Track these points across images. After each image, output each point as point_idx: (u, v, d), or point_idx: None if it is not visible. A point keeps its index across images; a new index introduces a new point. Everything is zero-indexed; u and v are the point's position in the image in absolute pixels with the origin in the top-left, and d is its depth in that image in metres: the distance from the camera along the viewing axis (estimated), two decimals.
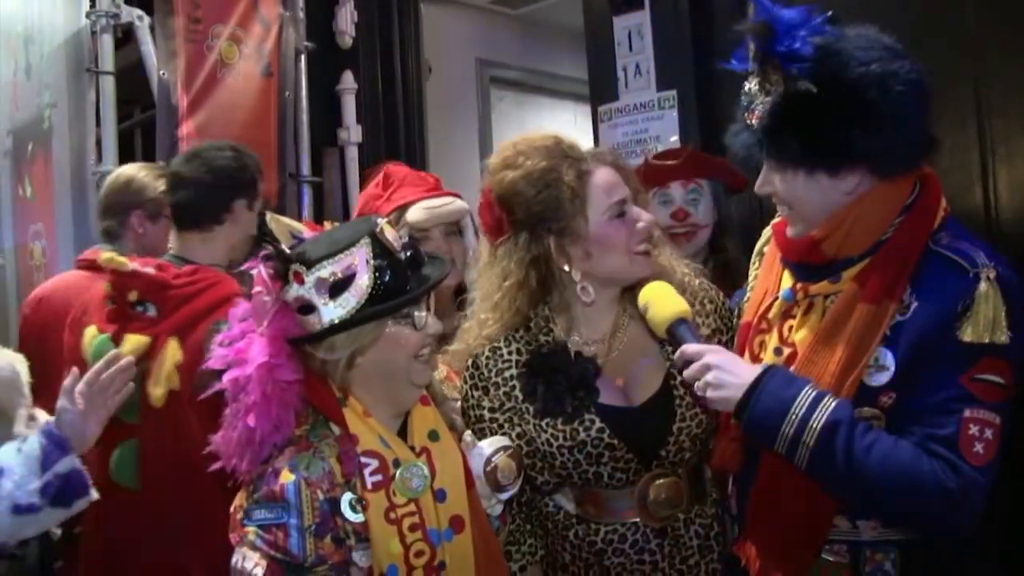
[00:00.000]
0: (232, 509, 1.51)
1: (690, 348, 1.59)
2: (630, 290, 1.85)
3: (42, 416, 1.96)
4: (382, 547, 1.49)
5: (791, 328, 1.63)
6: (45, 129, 4.00)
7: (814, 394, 1.48)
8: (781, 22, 1.49)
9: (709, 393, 1.55)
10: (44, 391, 2.16)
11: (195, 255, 2.34)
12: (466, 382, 1.91)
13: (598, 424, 1.79)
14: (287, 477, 1.46)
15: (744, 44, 1.58)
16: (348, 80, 4.29)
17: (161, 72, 3.48)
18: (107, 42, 3.52)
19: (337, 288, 1.48)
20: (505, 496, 1.71)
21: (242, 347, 1.54)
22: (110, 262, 2.23)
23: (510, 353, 1.87)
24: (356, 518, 1.49)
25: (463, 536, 1.57)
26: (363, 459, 1.52)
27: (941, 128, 2.54)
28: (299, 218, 3.79)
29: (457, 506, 1.58)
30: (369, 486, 1.51)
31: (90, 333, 2.26)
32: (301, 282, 1.49)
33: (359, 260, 1.49)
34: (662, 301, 1.69)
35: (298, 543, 1.43)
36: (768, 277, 1.74)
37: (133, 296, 2.23)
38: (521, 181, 1.82)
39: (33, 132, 4.12)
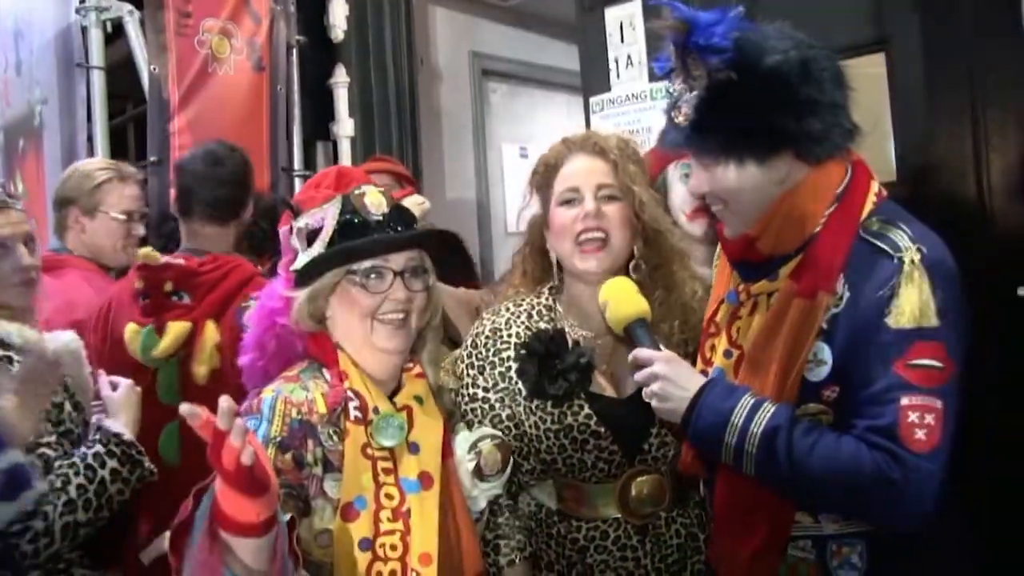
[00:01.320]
0: None
1: (642, 354, 1.60)
2: (659, 284, 1.90)
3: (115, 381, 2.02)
4: (354, 478, 1.53)
5: (739, 330, 1.64)
6: (36, 125, 3.99)
7: (752, 402, 1.49)
8: (698, 20, 1.51)
9: (654, 404, 1.58)
10: None
11: (212, 246, 2.56)
12: (463, 360, 1.94)
13: (586, 410, 1.81)
14: (267, 393, 1.56)
15: (666, 45, 1.58)
16: (340, 74, 4.28)
17: (152, 67, 3.46)
18: (97, 37, 3.50)
19: (311, 238, 1.62)
20: (487, 487, 1.71)
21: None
22: (147, 257, 2.40)
23: (509, 336, 1.90)
24: (334, 447, 1.54)
25: (430, 492, 1.59)
26: (349, 393, 1.59)
27: (935, 118, 2.58)
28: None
29: (428, 463, 1.62)
30: (352, 418, 1.57)
31: (131, 329, 2.39)
32: (291, 232, 1.66)
33: (328, 215, 1.62)
34: (621, 301, 1.69)
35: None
36: (720, 280, 1.74)
37: (168, 287, 2.42)
38: (538, 161, 1.99)
39: (24, 128, 4.11)
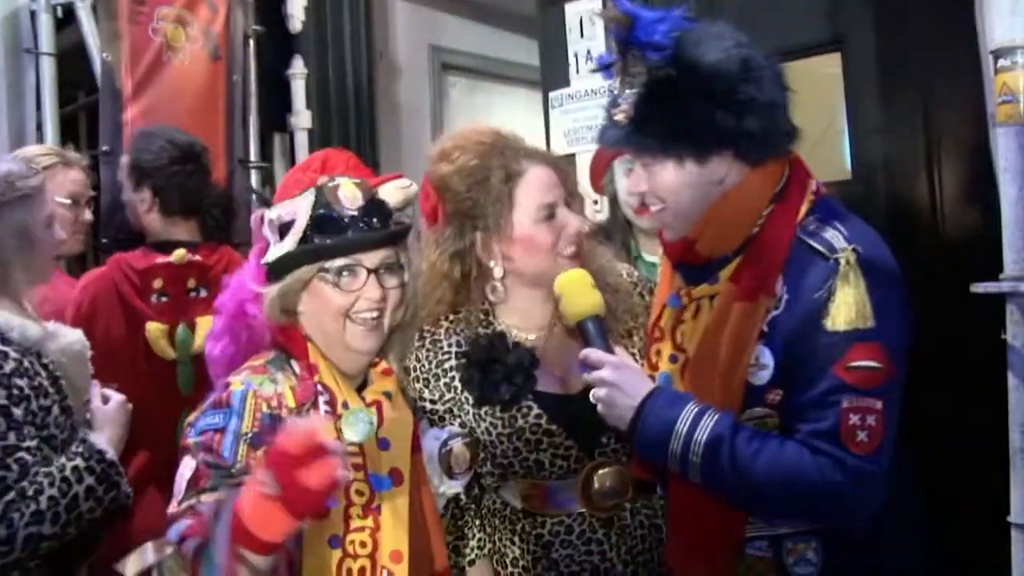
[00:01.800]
0: (186, 423, 1.52)
1: (592, 356, 1.59)
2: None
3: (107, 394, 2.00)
4: None
5: (683, 334, 1.63)
6: None
7: (696, 410, 1.48)
8: (641, 17, 1.51)
9: (600, 409, 1.57)
10: None
11: (184, 236, 2.65)
12: (407, 374, 1.88)
13: (535, 410, 1.80)
14: (237, 386, 1.50)
15: (607, 41, 1.59)
16: (298, 65, 4.24)
17: (104, 54, 3.39)
18: (47, 22, 3.42)
19: (283, 230, 1.56)
20: (454, 484, 1.70)
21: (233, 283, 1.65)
22: (179, 258, 2.55)
23: (449, 345, 1.88)
24: None
25: (400, 489, 1.57)
26: (319, 387, 1.55)
27: (889, 117, 2.61)
28: (248, 205, 3.74)
29: (399, 460, 1.59)
30: (322, 413, 1.53)
31: (156, 328, 2.51)
32: (262, 222, 1.59)
33: (301, 208, 1.55)
34: (575, 294, 1.66)
35: (231, 447, 1.43)
36: (663, 282, 1.73)
37: (191, 283, 2.57)
38: (453, 176, 1.85)
39: None
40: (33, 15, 3.44)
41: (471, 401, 1.83)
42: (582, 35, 3.37)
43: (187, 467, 1.43)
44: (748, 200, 1.53)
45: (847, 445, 1.38)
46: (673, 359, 1.64)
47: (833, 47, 2.73)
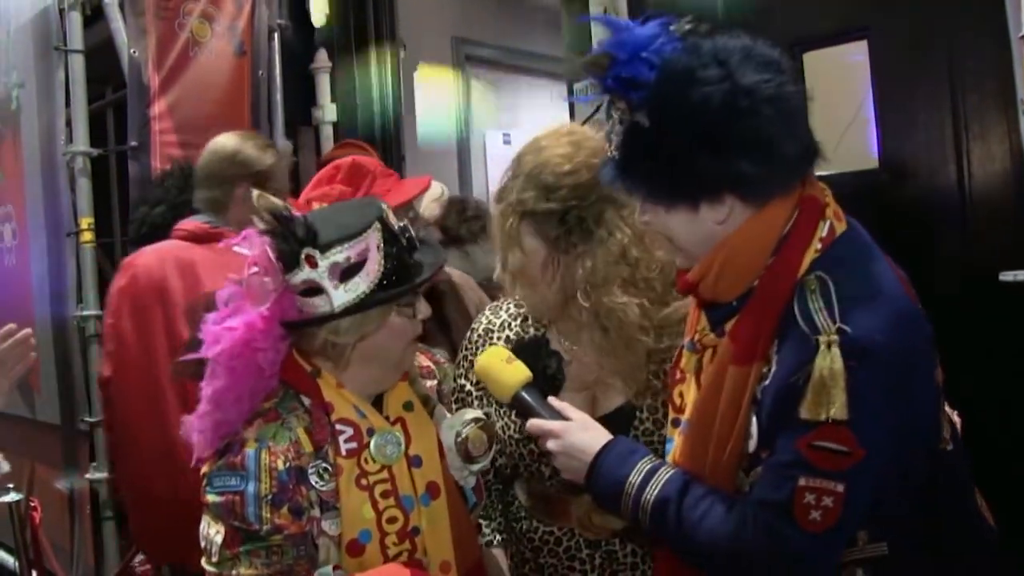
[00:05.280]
0: (200, 474, 1.51)
1: (533, 427, 1.59)
2: (590, 320, 1.79)
3: None
4: (354, 513, 1.50)
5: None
6: (14, 110, 3.95)
7: (648, 468, 1.46)
8: (625, 46, 1.37)
9: (563, 474, 1.59)
10: (145, 361, 2.49)
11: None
12: (460, 352, 1.95)
13: None
14: (251, 446, 1.47)
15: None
16: (322, 59, 4.26)
17: (132, 50, 3.42)
18: (75, 20, 3.46)
19: (349, 272, 1.46)
20: (476, 468, 1.71)
21: (234, 326, 1.51)
22: None
23: (499, 337, 1.90)
24: (325, 486, 1.50)
25: (439, 502, 1.58)
26: (338, 426, 1.53)
27: (915, 105, 2.59)
28: None
29: (432, 472, 1.60)
30: (343, 452, 1.52)
31: None
32: (314, 266, 1.46)
33: (371, 245, 1.47)
34: (496, 376, 1.67)
35: (254, 511, 1.42)
36: (691, 320, 1.59)
37: None
38: (573, 183, 1.79)
39: (1, 112, 4.06)
40: (62, 13, 3.48)
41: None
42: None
43: (213, 528, 1.44)
44: (749, 246, 1.39)
45: (798, 520, 1.30)
46: None
47: (859, 35, 2.70)
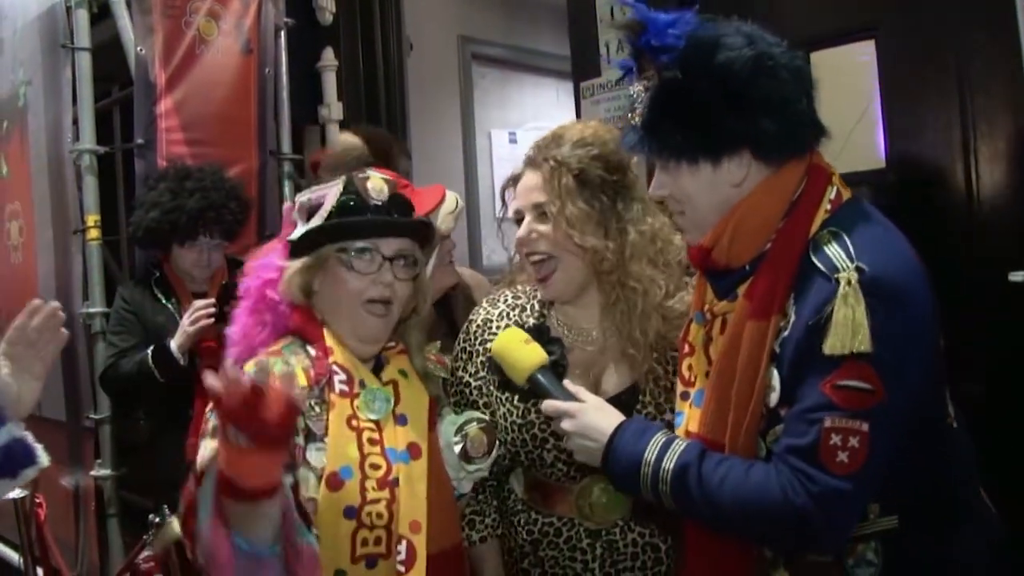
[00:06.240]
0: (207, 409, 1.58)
1: (549, 408, 1.61)
2: (617, 292, 1.84)
3: None
4: (339, 448, 1.56)
5: (716, 349, 1.57)
6: (20, 107, 3.95)
7: (663, 441, 1.48)
8: (655, 22, 1.48)
9: (576, 457, 1.61)
10: None
11: None
12: (458, 345, 1.97)
13: None
14: (249, 366, 1.57)
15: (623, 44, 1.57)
16: (329, 57, 4.26)
17: (138, 48, 3.43)
18: (82, 17, 3.46)
19: (310, 213, 1.66)
20: (472, 469, 1.72)
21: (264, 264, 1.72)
22: None
23: (498, 328, 1.91)
24: (316, 418, 1.57)
25: (419, 463, 1.63)
26: (334, 367, 1.62)
27: (923, 105, 2.58)
28: (280, 198, 3.77)
29: (416, 434, 1.65)
30: (336, 391, 1.60)
31: None
32: (294, 207, 1.71)
33: (330, 193, 1.65)
34: (513, 357, 1.69)
35: None
36: (695, 296, 1.67)
37: None
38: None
39: (8, 110, 4.07)
40: (69, 10, 3.48)
41: (496, 383, 1.88)
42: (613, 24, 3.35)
43: (207, 448, 1.49)
44: (762, 209, 1.47)
45: (825, 463, 1.33)
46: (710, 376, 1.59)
47: (866, 34, 2.69)
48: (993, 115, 2.45)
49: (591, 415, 1.58)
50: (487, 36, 5.40)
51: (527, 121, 5.70)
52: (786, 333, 1.41)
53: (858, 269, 1.34)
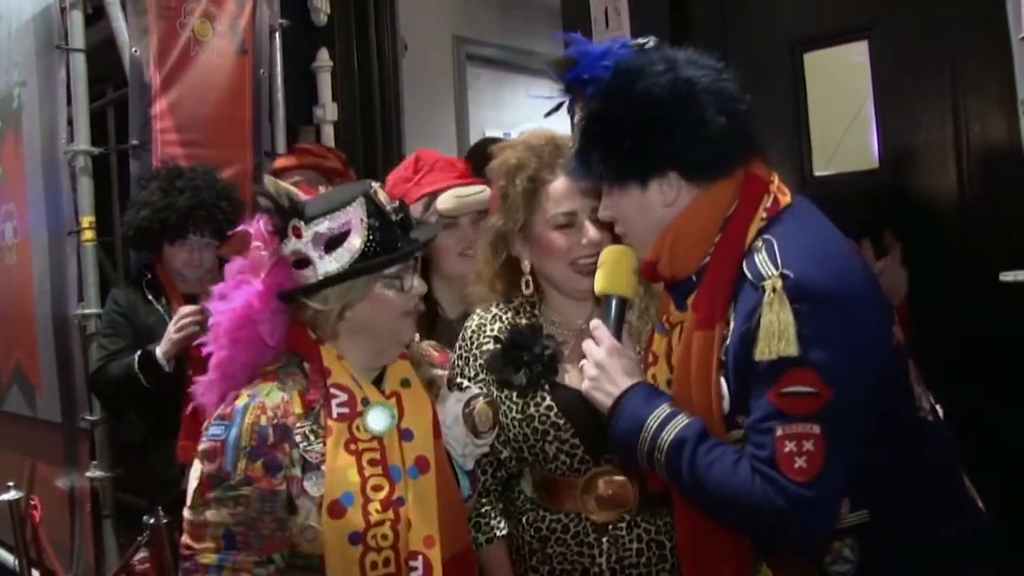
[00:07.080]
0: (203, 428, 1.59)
1: (599, 331, 1.62)
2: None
3: None
4: (338, 475, 1.55)
5: (678, 358, 1.61)
6: (15, 108, 3.95)
7: (668, 412, 1.49)
8: (587, 55, 1.55)
9: (585, 386, 1.61)
10: None
11: None
12: (455, 351, 2.00)
13: (547, 401, 1.86)
14: (241, 400, 1.56)
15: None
16: (323, 57, 4.26)
17: (133, 49, 3.42)
18: (77, 18, 3.46)
19: (333, 243, 1.57)
20: (481, 443, 1.74)
21: (235, 298, 1.62)
22: None
23: (492, 330, 1.96)
24: (310, 447, 1.56)
25: (427, 476, 1.62)
26: (332, 390, 1.60)
27: (916, 106, 2.59)
28: None
29: (423, 447, 1.64)
30: (334, 415, 1.58)
31: None
32: (299, 236, 1.58)
33: (354, 218, 1.57)
34: (613, 270, 1.68)
35: (231, 460, 1.51)
36: (661, 308, 1.72)
37: None
38: (499, 168, 1.95)
39: (3, 111, 4.07)
40: (63, 11, 3.48)
41: (495, 383, 1.90)
42: (607, 25, 3.35)
43: (195, 473, 1.53)
44: (696, 224, 1.52)
45: (785, 472, 1.35)
46: (671, 385, 1.62)
47: (860, 35, 2.71)
48: (986, 116, 2.46)
49: (621, 360, 1.59)
50: (482, 37, 5.40)
51: (522, 122, 5.69)
52: (728, 342, 1.46)
53: (783, 276, 1.38)
